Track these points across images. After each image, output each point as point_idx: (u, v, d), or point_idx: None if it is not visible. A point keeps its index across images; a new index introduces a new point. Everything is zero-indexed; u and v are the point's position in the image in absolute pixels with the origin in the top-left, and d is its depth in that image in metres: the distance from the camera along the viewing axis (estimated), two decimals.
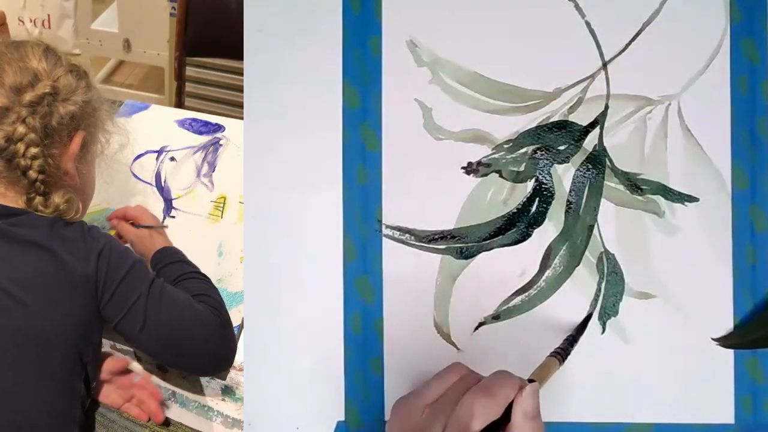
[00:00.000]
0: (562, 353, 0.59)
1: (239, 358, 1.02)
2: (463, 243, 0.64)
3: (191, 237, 1.22)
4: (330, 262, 0.64)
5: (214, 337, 0.94)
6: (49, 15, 3.22)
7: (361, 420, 0.64)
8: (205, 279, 1.03)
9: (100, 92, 1.03)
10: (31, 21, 3.21)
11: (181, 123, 1.50)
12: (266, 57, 0.65)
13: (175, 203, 1.30)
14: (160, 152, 1.41)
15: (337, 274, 0.64)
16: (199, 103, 2.15)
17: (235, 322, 1.06)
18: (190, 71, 2.06)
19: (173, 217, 1.27)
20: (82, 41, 2.93)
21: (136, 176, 1.35)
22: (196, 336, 0.93)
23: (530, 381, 0.52)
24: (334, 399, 0.64)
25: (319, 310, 0.64)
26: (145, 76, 3.18)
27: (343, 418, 0.64)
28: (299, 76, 0.65)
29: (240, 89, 1.91)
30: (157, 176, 1.36)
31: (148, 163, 1.39)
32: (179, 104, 2.03)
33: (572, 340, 0.62)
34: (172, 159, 1.40)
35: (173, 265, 1.05)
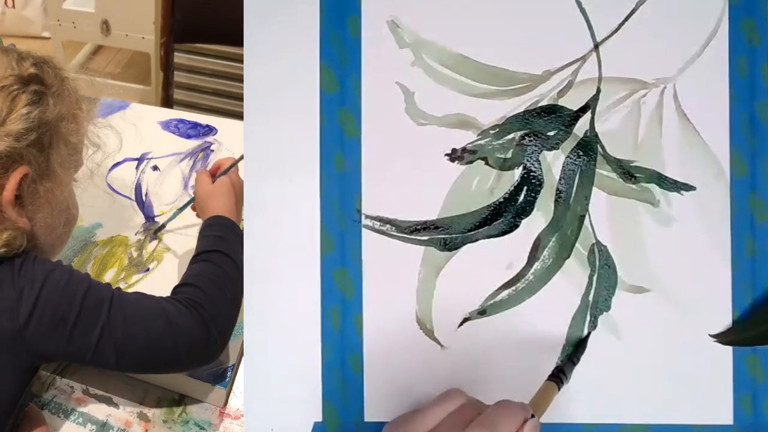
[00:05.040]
0: (560, 375, 0.61)
1: (237, 403, 0.99)
2: (447, 234, 0.66)
3: (177, 261, 1.15)
4: (306, 254, 0.66)
5: (196, 339, 0.89)
6: None
7: (339, 420, 0.66)
8: (219, 261, 0.95)
9: (69, 92, 0.88)
10: None
11: (166, 125, 1.42)
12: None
13: (158, 220, 1.21)
14: (140, 160, 1.33)
15: (314, 267, 0.66)
16: (189, 95, 2.09)
17: (231, 360, 1.00)
18: (179, 58, 1.99)
19: (156, 238, 1.18)
20: (52, 23, 2.79)
21: (112, 188, 1.27)
22: (179, 342, 0.87)
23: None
24: (310, 398, 0.66)
25: (295, 304, 0.66)
26: (127, 63, 3.08)
27: (320, 419, 0.66)
28: (274, 58, 0.66)
29: (236, 78, 1.90)
30: (138, 189, 1.27)
31: (126, 173, 1.30)
32: (167, 97, 1.98)
33: (571, 358, 0.64)
34: (155, 168, 1.32)
35: (205, 239, 0.99)
